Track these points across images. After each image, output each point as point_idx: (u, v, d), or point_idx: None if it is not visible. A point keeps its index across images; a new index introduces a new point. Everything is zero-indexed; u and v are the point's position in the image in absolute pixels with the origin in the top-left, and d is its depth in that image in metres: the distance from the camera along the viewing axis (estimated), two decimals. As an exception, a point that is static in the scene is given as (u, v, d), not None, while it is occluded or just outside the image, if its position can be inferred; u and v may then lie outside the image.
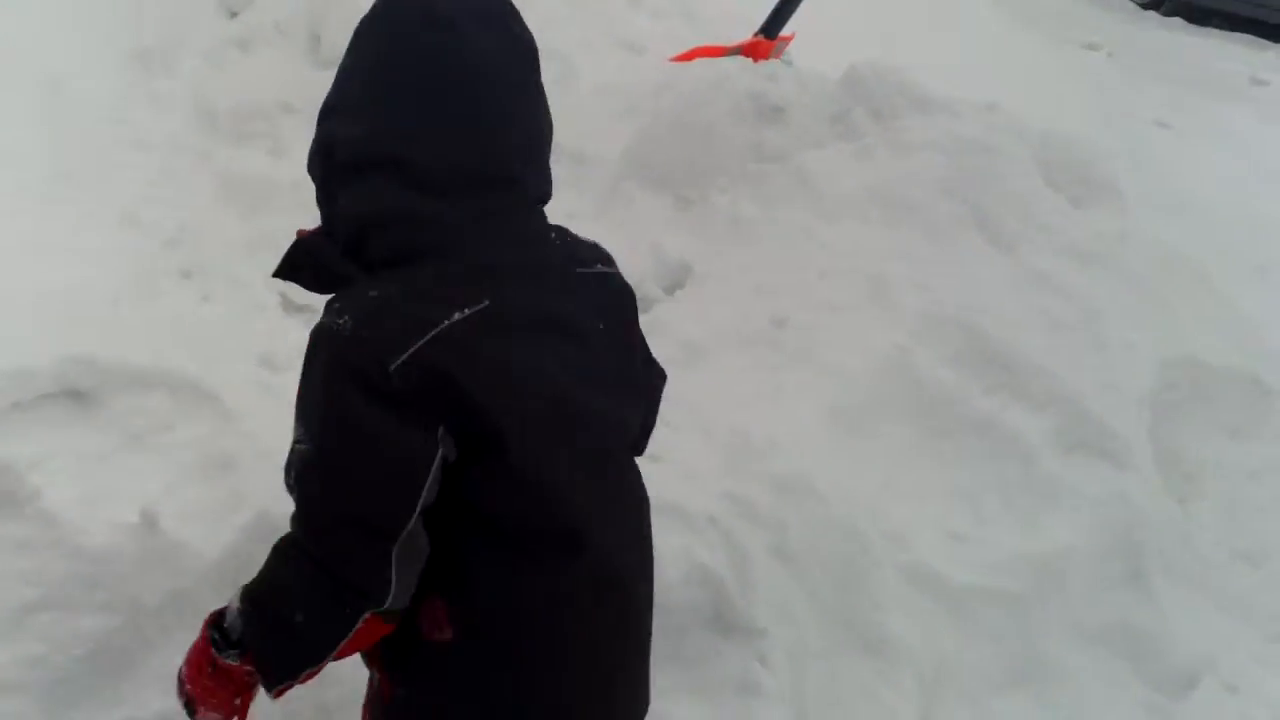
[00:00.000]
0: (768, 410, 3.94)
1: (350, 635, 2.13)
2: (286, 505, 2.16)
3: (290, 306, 4.13)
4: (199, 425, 3.40)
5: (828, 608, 3.55)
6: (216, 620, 2.22)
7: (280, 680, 2.19)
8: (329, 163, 2.20)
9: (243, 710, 2.26)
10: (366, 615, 2.12)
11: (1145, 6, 11.77)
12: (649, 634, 2.43)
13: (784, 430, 3.86)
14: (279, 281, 2.46)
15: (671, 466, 3.70)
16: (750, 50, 5.54)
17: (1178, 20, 11.43)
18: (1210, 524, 4.23)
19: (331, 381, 2.08)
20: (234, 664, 2.19)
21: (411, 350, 2.04)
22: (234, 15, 5.73)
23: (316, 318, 2.14)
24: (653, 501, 3.47)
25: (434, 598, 2.18)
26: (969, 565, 3.73)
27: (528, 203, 2.26)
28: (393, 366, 2.03)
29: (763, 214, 4.58)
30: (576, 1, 5.74)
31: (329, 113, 2.22)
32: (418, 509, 2.08)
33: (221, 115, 5.05)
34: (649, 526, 2.43)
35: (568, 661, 2.23)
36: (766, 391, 4.03)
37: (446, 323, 2.07)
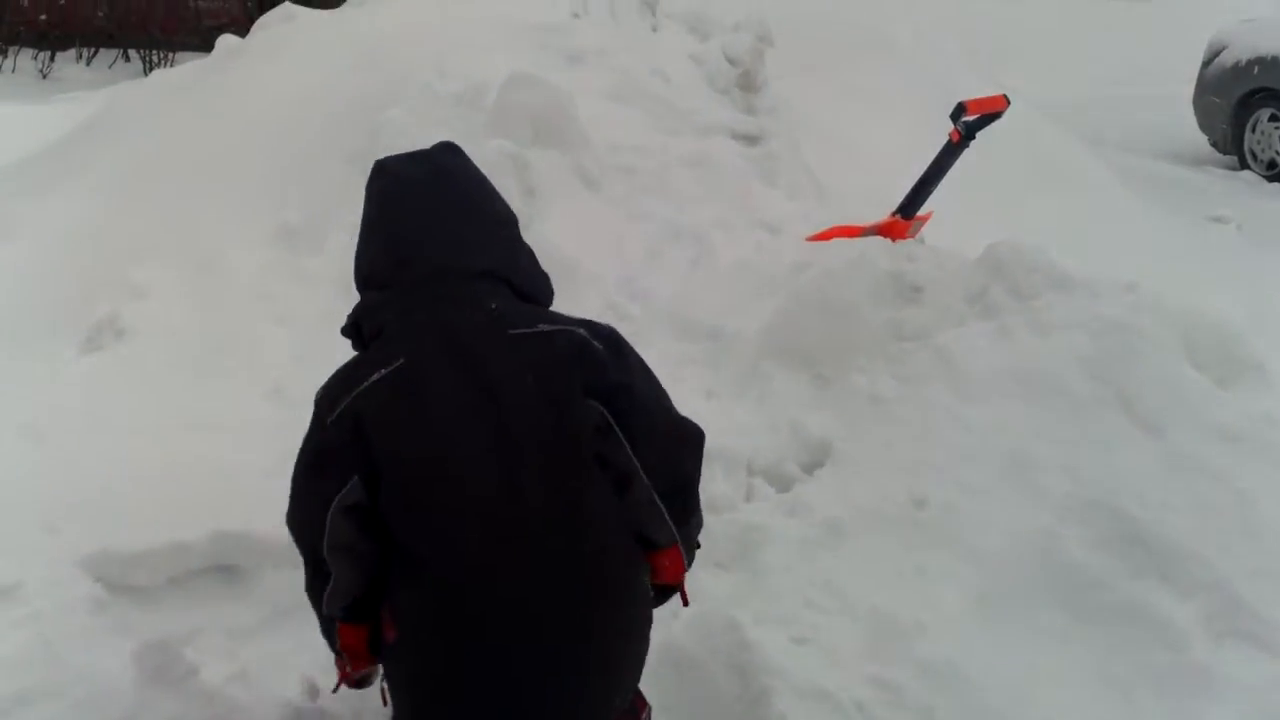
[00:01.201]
0: (911, 592, 3.91)
1: (336, 633, 2.81)
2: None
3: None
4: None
5: (977, 798, 3.47)
6: None
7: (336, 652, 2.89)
8: None
9: (344, 671, 2.91)
10: (336, 622, 2.78)
11: (1271, 179, 11.71)
12: (581, 665, 2.69)
13: (929, 613, 3.83)
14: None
15: (816, 649, 3.67)
16: (887, 230, 5.56)
17: (1303, 191, 11.37)
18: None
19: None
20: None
21: (342, 406, 2.66)
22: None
23: None
24: (799, 685, 3.44)
25: (384, 606, 2.70)
26: (1122, 757, 3.63)
27: (463, 280, 2.78)
28: (330, 420, 2.67)
29: (902, 393, 4.57)
30: (712, 182, 5.82)
31: None
32: (324, 546, 2.67)
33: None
34: (581, 556, 2.67)
35: (463, 673, 2.61)
36: (909, 573, 3.99)
37: (368, 381, 2.66)
